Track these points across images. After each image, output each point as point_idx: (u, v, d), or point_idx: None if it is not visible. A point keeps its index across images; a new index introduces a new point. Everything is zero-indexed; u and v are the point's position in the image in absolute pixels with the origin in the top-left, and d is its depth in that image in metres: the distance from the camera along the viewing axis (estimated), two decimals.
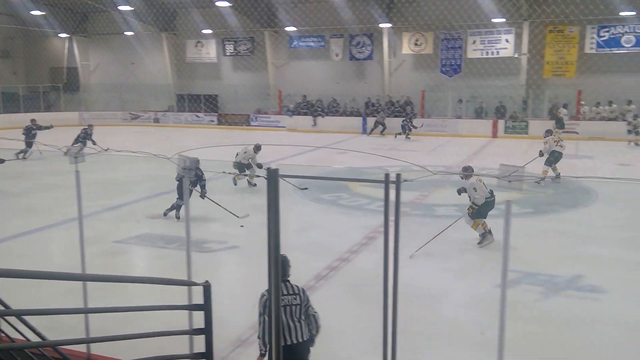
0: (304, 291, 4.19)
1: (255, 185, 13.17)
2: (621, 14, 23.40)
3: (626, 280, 7.14)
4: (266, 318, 3.97)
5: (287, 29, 29.86)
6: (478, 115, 26.66)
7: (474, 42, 26.58)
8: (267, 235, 3.05)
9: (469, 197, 8.65)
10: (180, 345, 4.27)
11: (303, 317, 4.12)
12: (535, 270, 7.44)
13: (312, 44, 30.11)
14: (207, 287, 3.55)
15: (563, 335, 5.67)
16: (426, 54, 27.82)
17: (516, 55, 26.01)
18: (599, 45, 24.45)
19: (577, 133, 23.42)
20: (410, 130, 24.10)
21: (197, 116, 32.13)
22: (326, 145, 21.28)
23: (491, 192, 8.53)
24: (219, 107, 32.77)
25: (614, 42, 24.16)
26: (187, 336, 4.12)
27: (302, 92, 30.12)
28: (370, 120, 27.21)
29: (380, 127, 26.05)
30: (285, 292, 4.09)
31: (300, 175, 3.74)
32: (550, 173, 13.61)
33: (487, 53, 26.38)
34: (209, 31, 31.61)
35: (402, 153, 19.41)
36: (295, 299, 4.11)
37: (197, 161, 7.71)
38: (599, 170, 15.61)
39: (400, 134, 24.44)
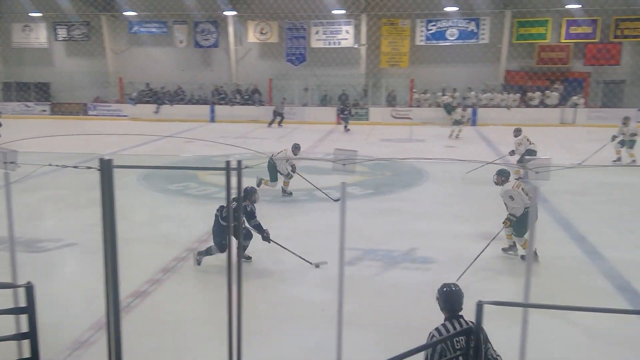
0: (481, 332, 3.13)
1: (290, 194, 11.24)
2: (446, 9, 25.73)
3: (451, 250, 7.97)
4: None
5: (126, 13, 28.30)
6: (323, 102, 27.66)
7: (317, 32, 27.46)
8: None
9: (505, 205, 7.33)
10: (9, 351, 3.96)
11: None
12: (375, 247, 8.02)
13: (154, 29, 28.87)
14: (29, 289, 3.32)
15: (400, 304, 6.21)
16: (272, 43, 28.17)
17: (356, 46, 27.37)
18: (427, 38, 26.66)
19: (410, 119, 25.42)
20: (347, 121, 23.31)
21: (26, 106, 29.21)
22: (173, 134, 20.67)
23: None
24: (51, 96, 30.13)
25: (440, 35, 26.51)
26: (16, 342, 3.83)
27: (146, 80, 28.81)
28: (219, 108, 26.94)
29: (279, 118, 25.59)
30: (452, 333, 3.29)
31: (139, 165, 3.64)
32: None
33: (330, 43, 27.42)
34: (38, 14, 28.87)
35: (251, 141, 19.54)
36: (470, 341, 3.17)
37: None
38: (429, 152, 17.15)
39: (274, 122, 24.30)
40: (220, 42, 28.64)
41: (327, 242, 8.32)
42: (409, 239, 8.39)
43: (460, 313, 3.43)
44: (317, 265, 7.04)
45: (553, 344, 5.20)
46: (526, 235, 6.92)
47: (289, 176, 11.10)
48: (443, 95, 25.91)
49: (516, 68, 26.62)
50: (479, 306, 2.92)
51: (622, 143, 14.67)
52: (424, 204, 10.84)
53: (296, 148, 11.19)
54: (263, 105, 26.99)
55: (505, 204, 7.32)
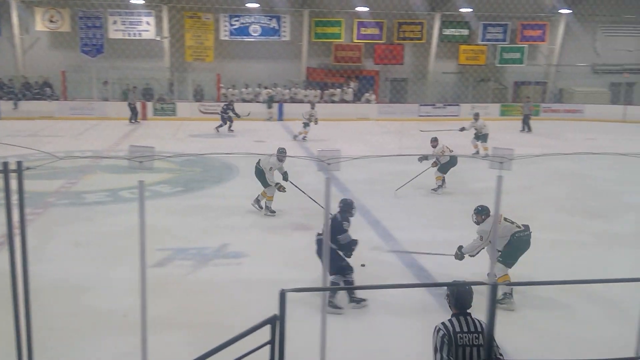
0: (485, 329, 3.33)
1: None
2: (247, 5, 26.10)
3: (263, 243, 8.21)
4: (444, 356, 3.35)
5: None
6: (126, 97, 26.20)
7: (115, 22, 25.86)
8: None
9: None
10: None
11: None
12: (186, 246, 7.90)
13: None
14: None
15: (211, 301, 6.22)
16: (64, 32, 25.77)
17: (158, 38, 26.40)
18: (232, 33, 26.80)
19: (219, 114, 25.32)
20: (231, 121, 20.89)
21: None
22: None
23: (526, 227, 6.37)
24: None
25: (244, 30, 26.85)
26: None
27: None
28: (4, 104, 23.88)
29: (134, 113, 22.91)
30: (465, 329, 3.41)
31: None
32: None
33: (130, 34, 26.03)
34: None
35: (46, 139, 17.76)
36: (477, 338, 3.39)
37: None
38: (239, 147, 17.31)
39: (221, 126, 21.10)
40: (3, 30, 25.39)
41: (132, 243, 7.93)
42: (221, 235, 8.42)
43: (468, 311, 3.53)
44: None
45: (356, 321, 5.68)
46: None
47: (277, 186, 9.68)
48: (265, 89, 26.34)
49: (316, 65, 28.14)
50: (282, 295, 3.07)
51: (477, 137, 16.31)
52: (236, 198, 10.93)
53: (281, 153, 9.63)
54: (57, 100, 24.63)
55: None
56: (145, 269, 3.33)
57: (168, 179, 12.39)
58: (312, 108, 19.43)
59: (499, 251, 6.16)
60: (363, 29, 27.73)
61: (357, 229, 8.85)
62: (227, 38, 26.81)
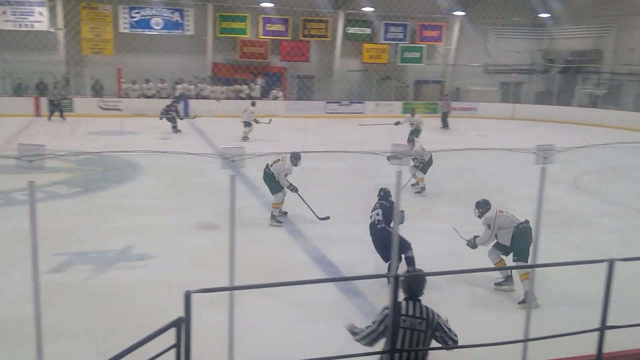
0: (434, 316, 3.63)
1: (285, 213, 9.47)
2: None
3: (169, 243, 8.01)
4: (378, 328, 3.62)
5: None
6: (17, 92, 24.43)
7: (5, 12, 23.96)
8: None
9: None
10: None
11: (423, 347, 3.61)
12: (87, 249, 7.55)
13: None
14: None
15: (116, 305, 6.00)
16: None
17: (52, 30, 24.80)
18: (132, 26, 25.71)
19: (120, 110, 24.30)
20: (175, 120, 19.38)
21: None
22: None
23: (525, 221, 6.44)
24: None
25: (145, 23, 25.87)
26: None
27: None
28: None
29: (54, 108, 20.78)
30: (410, 313, 3.59)
31: None
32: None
33: (21, 25, 24.23)
34: None
35: None
36: (420, 324, 3.58)
37: None
38: (143, 144, 16.73)
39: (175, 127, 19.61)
40: None
41: (27, 248, 7.49)
42: (125, 237, 8.12)
43: (420, 297, 3.68)
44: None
45: (266, 320, 5.71)
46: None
47: (292, 188, 9.16)
48: (177, 84, 25.57)
49: (222, 61, 27.72)
50: (187, 296, 3.05)
51: (412, 133, 16.50)
52: (140, 198, 10.59)
53: (296, 158, 9.14)
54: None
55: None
56: (38, 274, 3.17)
57: (65, 179, 11.74)
58: (253, 105, 19.03)
59: (473, 245, 6.82)
60: (269, 25, 27.68)
61: (267, 227, 8.93)
62: (127, 31, 25.69)
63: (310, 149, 15.40)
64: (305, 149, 15.22)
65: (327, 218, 9.22)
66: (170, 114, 19.27)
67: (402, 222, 6.64)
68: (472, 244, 6.92)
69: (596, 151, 15.76)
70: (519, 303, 6.22)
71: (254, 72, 27.77)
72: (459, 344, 3.70)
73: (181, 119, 19.44)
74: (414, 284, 3.69)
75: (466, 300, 6.40)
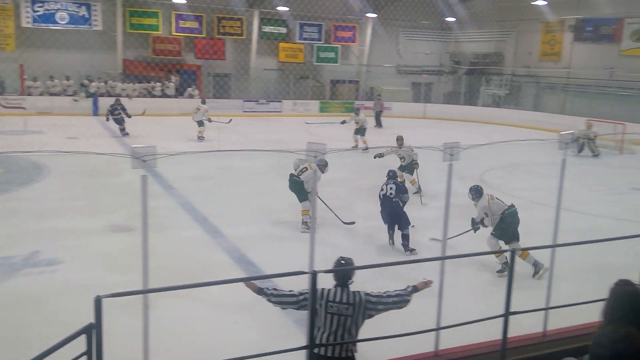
0: (362, 299, 3.81)
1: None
2: None
3: (79, 247, 7.68)
4: (298, 298, 3.85)
5: None
6: None
7: None
8: None
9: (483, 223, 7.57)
10: None
11: (351, 330, 3.76)
12: None
13: None
14: None
15: (21, 314, 5.69)
16: None
17: None
18: (35, 20, 24.23)
19: (24, 108, 22.86)
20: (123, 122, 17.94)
21: None
22: None
23: (511, 205, 7.46)
24: None
25: (49, 18, 24.47)
26: None
27: None
28: None
29: None
30: (337, 299, 3.77)
31: None
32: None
33: None
34: None
35: None
36: (347, 309, 3.75)
37: None
38: (49, 144, 15.84)
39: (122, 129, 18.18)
40: None
41: None
42: (31, 242, 7.70)
43: (349, 283, 3.87)
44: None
45: (183, 322, 5.62)
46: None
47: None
48: (91, 82, 24.49)
49: (134, 57, 26.77)
50: (97, 301, 2.97)
51: (357, 131, 16.92)
52: (46, 201, 10.06)
53: (324, 165, 8.80)
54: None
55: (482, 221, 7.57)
56: None
57: None
58: (203, 103, 18.68)
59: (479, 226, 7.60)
60: (182, 21, 27.06)
61: (185, 228, 8.77)
62: (30, 25, 24.19)
63: (228, 147, 15.27)
64: (223, 147, 15.07)
65: (353, 223, 9.19)
66: (117, 115, 18.19)
67: (406, 201, 8.36)
68: (476, 226, 7.67)
69: (499, 148, 16.80)
70: (497, 272, 7.19)
71: (168, 69, 27.06)
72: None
73: (129, 117, 18.41)
74: (343, 271, 3.89)
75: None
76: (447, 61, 32.44)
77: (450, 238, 8.41)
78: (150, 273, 3.61)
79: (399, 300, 3.98)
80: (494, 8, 28.87)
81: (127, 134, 18.37)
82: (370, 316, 3.89)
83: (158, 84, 26.32)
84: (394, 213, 8.14)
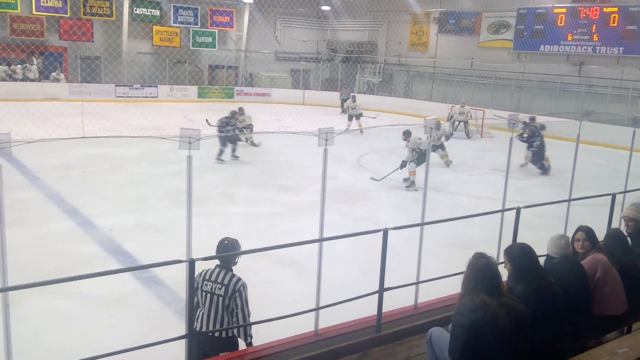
0: (236, 285, 3.87)
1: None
2: None
3: None
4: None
5: None
6: None
7: None
8: None
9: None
10: None
11: (225, 311, 3.86)
12: None
13: None
14: None
15: None
16: None
17: None
18: None
19: None
20: None
21: None
22: None
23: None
24: None
25: None
26: None
27: None
28: None
29: None
30: (212, 279, 3.88)
31: None
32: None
33: None
34: None
35: None
36: (219, 289, 3.85)
37: None
38: None
39: None
40: None
41: None
42: None
43: (232, 267, 3.99)
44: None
45: (51, 320, 5.30)
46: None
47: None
48: None
49: None
50: None
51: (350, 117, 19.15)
52: None
53: (405, 134, 11.87)
54: None
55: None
56: None
57: None
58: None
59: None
60: (43, 0, 24.96)
61: (53, 220, 8.20)
62: None
63: (100, 134, 14.42)
64: (94, 134, 14.22)
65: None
66: None
67: None
68: (404, 164, 11.39)
69: (374, 133, 17.56)
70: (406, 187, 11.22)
71: (29, 51, 24.85)
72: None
73: None
74: (218, 252, 4.03)
75: (263, 277, 6.69)
76: (324, 49, 33.11)
77: (383, 178, 11.33)
78: (11, 270, 3.35)
79: (243, 316, 3.94)
80: None
81: None
82: (235, 306, 3.89)
83: (19, 66, 24.11)
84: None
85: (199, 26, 29.10)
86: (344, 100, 25.50)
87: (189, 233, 3.81)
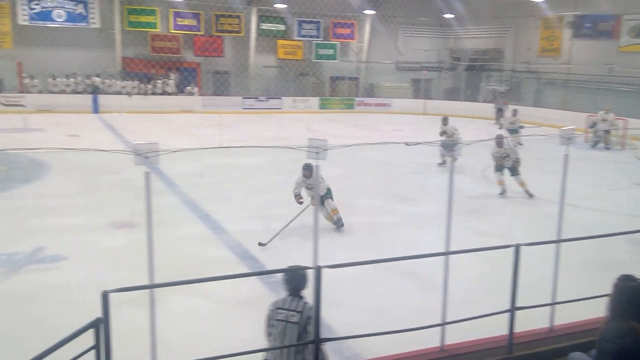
0: (310, 311, 3.66)
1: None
2: None
3: (83, 243, 7.69)
4: (266, 329, 3.80)
5: None
6: None
7: None
8: None
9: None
10: None
11: (301, 340, 3.67)
12: None
13: None
14: None
15: (28, 309, 5.70)
16: None
17: None
18: (32, 18, 24.15)
19: (23, 106, 22.84)
20: None
21: None
22: None
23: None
24: None
25: (46, 15, 24.39)
26: None
27: None
28: None
29: None
30: (286, 306, 3.72)
31: None
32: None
33: None
34: None
35: None
36: (292, 316, 3.68)
37: None
38: (50, 142, 15.81)
39: None
40: None
41: None
42: (34, 238, 7.71)
43: (301, 293, 3.76)
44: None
45: (186, 317, 5.63)
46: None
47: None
48: (95, 77, 24.58)
49: (133, 55, 26.70)
50: (104, 296, 2.98)
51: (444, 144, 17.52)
52: (48, 198, 10.06)
53: (304, 168, 8.54)
54: None
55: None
56: None
57: None
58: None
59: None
60: (179, 19, 27.00)
61: (187, 224, 8.78)
62: (27, 23, 24.13)
63: (229, 144, 15.24)
64: (224, 144, 15.06)
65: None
66: None
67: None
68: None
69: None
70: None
71: (168, 67, 26.99)
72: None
73: None
74: (292, 279, 3.77)
75: (386, 289, 6.62)
76: (447, 57, 32.40)
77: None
78: (154, 269, 3.61)
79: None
80: (492, 5, 28.85)
81: None
82: (306, 333, 3.69)
83: (158, 81, 26.28)
84: None
85: (321, 39, 29.83)
86: (499, 111, 24.31)
87: (315, 241, 3.86)
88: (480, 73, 30.35)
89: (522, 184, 11.27)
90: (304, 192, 8.59)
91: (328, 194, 8.65)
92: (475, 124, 24.31)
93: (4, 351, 4.87)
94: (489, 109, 26.36)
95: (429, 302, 6.15)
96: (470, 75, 30.72)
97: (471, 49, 31.19)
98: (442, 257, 4.43)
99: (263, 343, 3.80)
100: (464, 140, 11.58)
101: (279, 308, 3.73)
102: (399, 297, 6.44)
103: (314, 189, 7.85)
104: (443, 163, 13.49)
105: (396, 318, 4.86)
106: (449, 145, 12.97)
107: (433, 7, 28.62)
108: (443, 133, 14.23)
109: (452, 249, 4.44)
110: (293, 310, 3.68)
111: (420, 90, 31.04)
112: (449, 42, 32.46)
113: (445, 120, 14.23)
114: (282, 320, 3.68)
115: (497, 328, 4.28)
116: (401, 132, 21.31)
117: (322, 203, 8.47)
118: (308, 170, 8.32)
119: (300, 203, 8.40)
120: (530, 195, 11.12)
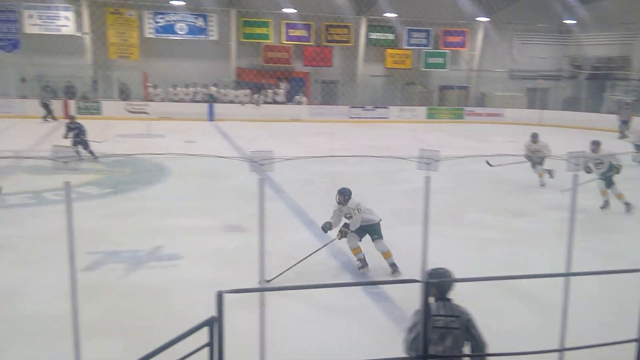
0: (466, 314, 3.63)
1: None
2: (172, 2, 25.51)
3: (197, 244, 8.10)
4: (412, 336, 3.51)
5: None
6: (45, 95, 24.93)
7: (31, 16, 24.56)
8: None
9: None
10: None
11: (462, 347, 3.61)
12: (118, 248, 7.67)
13: None
14: None
15: (146, 304, 6.08)
16: None
17: (79, 34, 25.29)
18: (157, 31, 26.11)
19: (147, 113, 24.67)
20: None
21: None
22: None
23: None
24: None
25: (170, 28, 26.23)
26: None
27: None
28: None
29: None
30: (442, 312, 3.60)
31: None
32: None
33: (48, 29, 24.80)
34: None
35: None
36: (453, 322, 3.57)
37: None
38: (169, 147, 16.93)
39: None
40: None
41: (60, 247, 7.65)
42: (154, 238, 8.22)
43: (448, 296, 3.66)
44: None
45: (295, 323, 5.71)
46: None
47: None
48: (213, 86, 26.17)
49: (246, 66, 27.93)
50: (219, 296, 3.07)
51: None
52: (168, 200, 10.72)
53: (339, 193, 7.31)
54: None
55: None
56: (75, 272, 3.24)
57: (95, 180, 11.95)
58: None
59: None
60: (291, 30, 27.83)
61: (293, 230, 8.97)
62: (152, 36, 26.10)
63: (336, 153, 15.42)
64: (331, 153, 15.26)
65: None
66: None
67: None
68: (345, 233, 7.13)
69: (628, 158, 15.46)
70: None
71: (278, 76, 27.90)
72: (489, 349, 3.68)
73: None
74: (443, 283, 3.66)
75: (498, 307, 6.32)
76: (566, 65, 30.55)
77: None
78: (264, 272, 3.70)
79: (482, 345, 3.62)
80: (618, 9, 26.78)
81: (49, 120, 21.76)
82: (467, 338, 3.60)
83: (269, 90, 27.23)
84: None
85: (430, 47, 29.38)
86: (623, 123, 22.72)
87: (424, 254, 3.75)
88: (604, 82, 28.31)
89: (619, 196, 10.42)
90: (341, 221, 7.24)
91: (376, 232, 7.19)
92: (597, 136, 22.66)
93: (122, 343, 5.23)
94: (613, 120, 24.45)
95: (540, 324, 5.80)
96: (592, 85, 28.76)
97: (594, 57, 29.18)
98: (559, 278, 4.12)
99: (371, 352, 3.75)
100: (552, 155, 10.83)
101: (434, 315, 3.58)
102: (506, 317, 6.11)
103: (352, 219, 7.04)
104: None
105: (503, 338, 4.60)
106: (536, 160, 12.23)
107: (552, 13, 27.20)
108: (535, 151, 13.04)
109: (573, 270, 4.13)
110: (451, 316, 3.59)
111: (536, 100, 29.53)
112: (568, 49, 30.63)
113: (534, 137, 13.14)
114: (443, 327, 3.57)
115: (620, 358, 3.92)
116: (514, 144, 20.33)
117: (359, 237, 7.20)
118: (342, 195, 7.13)
119: (343, 237, 7.15)
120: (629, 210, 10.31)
